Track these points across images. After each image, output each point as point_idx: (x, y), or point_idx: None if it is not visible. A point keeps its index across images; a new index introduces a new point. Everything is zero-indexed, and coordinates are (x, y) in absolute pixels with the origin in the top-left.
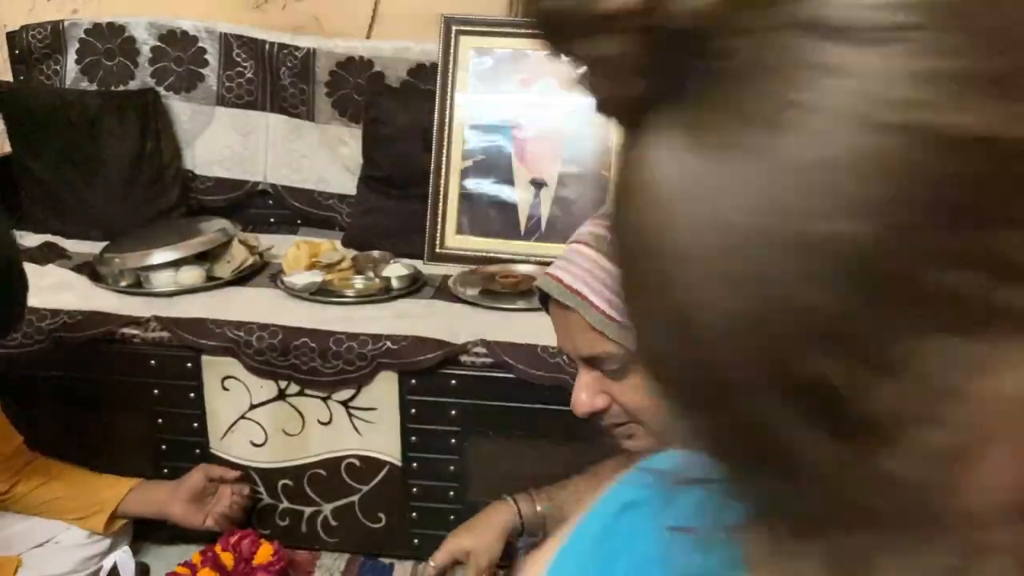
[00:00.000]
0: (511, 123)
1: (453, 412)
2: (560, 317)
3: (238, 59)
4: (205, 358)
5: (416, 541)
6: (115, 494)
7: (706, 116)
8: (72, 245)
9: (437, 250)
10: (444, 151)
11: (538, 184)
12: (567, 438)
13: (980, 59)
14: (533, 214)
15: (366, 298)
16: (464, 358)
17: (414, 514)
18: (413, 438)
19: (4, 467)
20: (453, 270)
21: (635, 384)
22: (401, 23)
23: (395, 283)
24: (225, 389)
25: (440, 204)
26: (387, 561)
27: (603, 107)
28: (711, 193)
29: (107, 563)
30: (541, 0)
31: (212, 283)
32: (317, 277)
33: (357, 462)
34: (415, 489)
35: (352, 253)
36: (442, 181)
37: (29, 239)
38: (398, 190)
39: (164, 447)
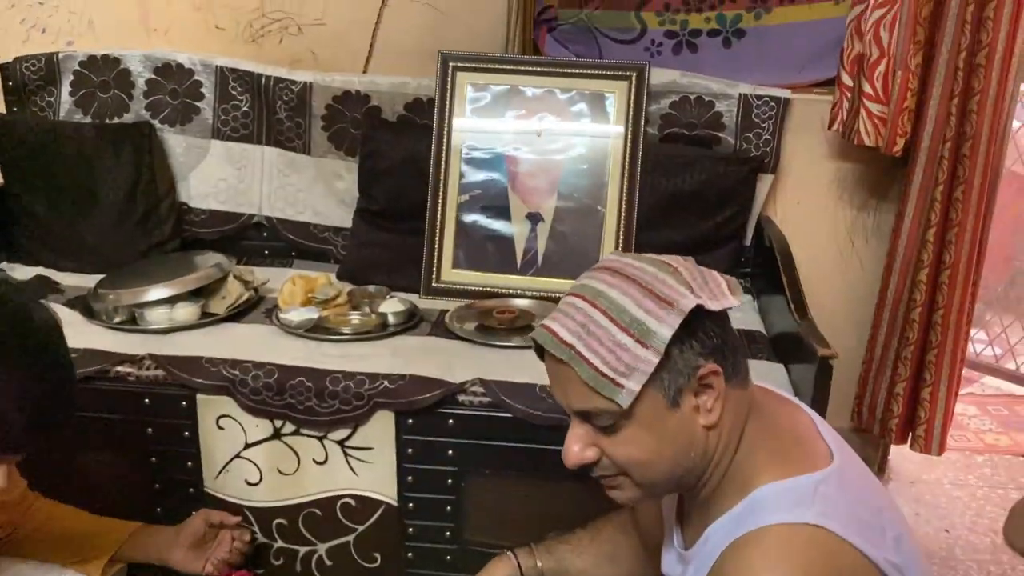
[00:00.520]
0: (507, 158)
1: (450, 452)
2: (554, 368)
3: (234, 92)
4: (200, 397)
5: None
6: (114, 539)
7: None
8: (65, 278)
9: (433, 284)
10: (441, 185)
11: (534, 218)
12: (565, 478)
13: None
14: (529, 248)
15: (362, 335)
16: (462, 397)
17: (410, 554)
18: (409, 478)
19: (10, 510)
20: (450, 304)
21: (625, 439)
22: (398, 58)
23: (391, 319)
24: (220, 428)
25: (437, 238)
26: None
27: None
28: None
29: None
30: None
31: (207, 319)
32: (313, 313)
33: (353, 502)
34: (411, 529)
35: (348, 287)
36: (439, 215)
37: (20, 272)
38: (394, 223)
39: (158, 486)
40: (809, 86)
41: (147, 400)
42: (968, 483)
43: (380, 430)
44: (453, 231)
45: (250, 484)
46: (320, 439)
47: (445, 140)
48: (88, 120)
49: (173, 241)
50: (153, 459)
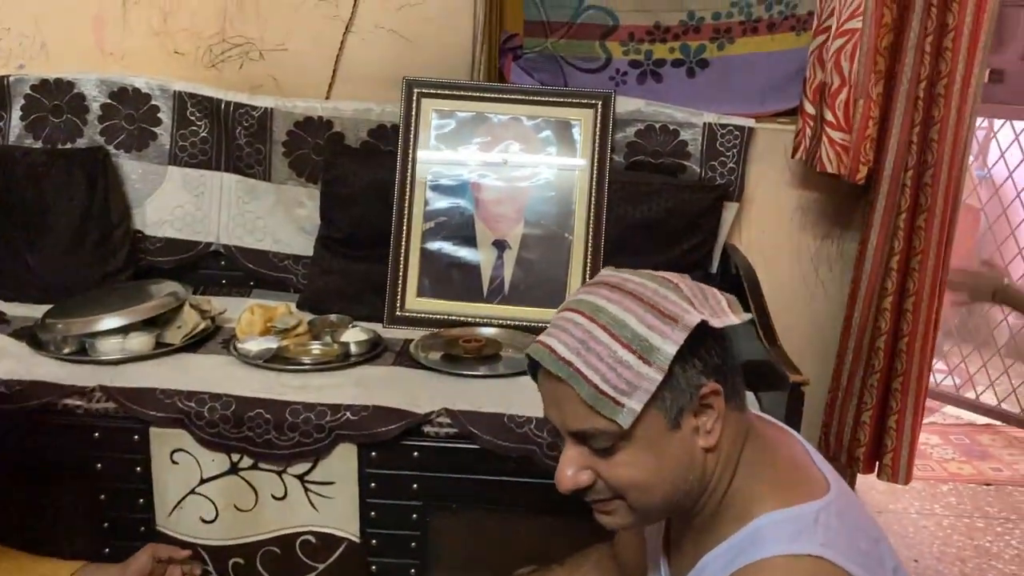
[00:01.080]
0: (473, 184)
1: (415, 485)
2: (550, 388)
3: (192, 118)
4: (153, 430)
5: None
6: None
7: None
8: (11, 309)
9: (398, 313)
10: (405, 212)
11: (501, 246)
12: (536, 511)
13: None
14: (496, 276)
15: (323, 365)
16: (427, 429)
17: None
18: (372, 513)
19: None
20: (414, 333)
21: (623, 461)
22: (361, 85)
23: (354, 348)
24: (174, 463)
25: (401, 265)
26: None
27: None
28: None
29: None
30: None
31: (162, 350)
32: (272, 343)
33: (313, 539)
34: (374, 567)
35: (309, 317)
36: (403, 242)
37: None
38: (357, 251)
39: (107, 524)
40: (772, 115)
41: (97, 434)
42: (935, 512)
43: (342, 463)
44: (418, 259)
45: (205, 521)
46: (279, 473)
47: (410, 167)
48: (39, 145)
49: (127, 270)
50: (102, 496)
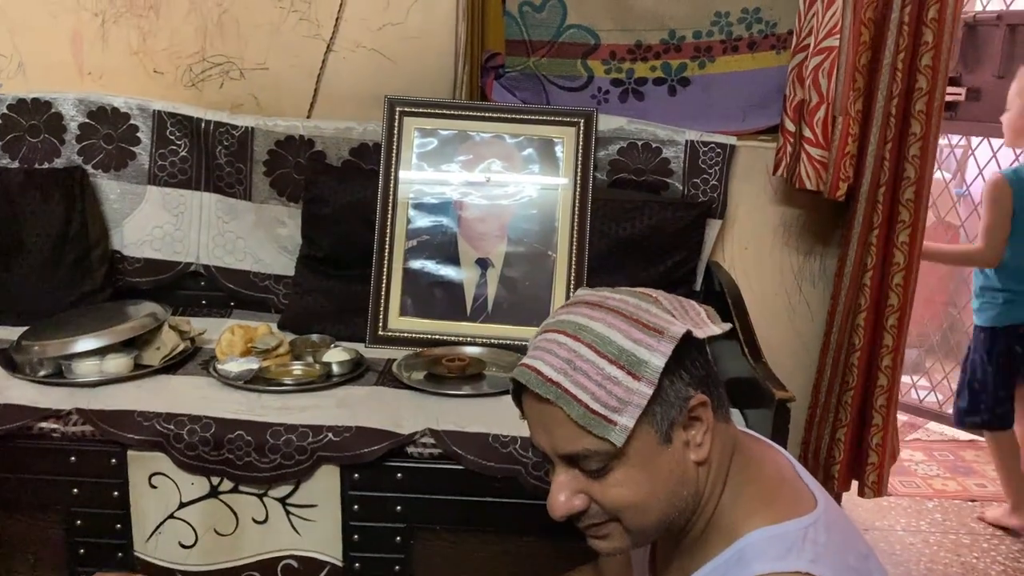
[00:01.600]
0: (455, 203)
1: (399, 508)
2: (536, 411)
3: (172, 137)
4: (131, 453)
5: None
6: None
7: None
8: None
9: (380, 332)
10: (388, 230)
11: (484, 264)
12: (522, 532)
13: None
14: (479, 294)
15: (305, 386)
16: (410, 449)
17: None
18: (355, 536)
19: None
20: (397, 353)
21: (617, 481)
22: (343, 103)
23: (336, 369)
24: (152, 487)
25: (383, 285)
26: None
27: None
28: None
29: None
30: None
31: (140, 372)
32: (253, 364)
33: (295, 563)
34: None
35: (290, 337)
36: (385, 261)
37: None
38: (338, 271)
39: (83, 551)
40: (753, 133)
41: (73, 458)
42: (920, 529)
43: (324, 486)
44: (400, 278)
45: (184, 547)
46: (260, 496)
47: (392, 185)
48: (16, 165)
49: (105, 291)
50: (78, 521)
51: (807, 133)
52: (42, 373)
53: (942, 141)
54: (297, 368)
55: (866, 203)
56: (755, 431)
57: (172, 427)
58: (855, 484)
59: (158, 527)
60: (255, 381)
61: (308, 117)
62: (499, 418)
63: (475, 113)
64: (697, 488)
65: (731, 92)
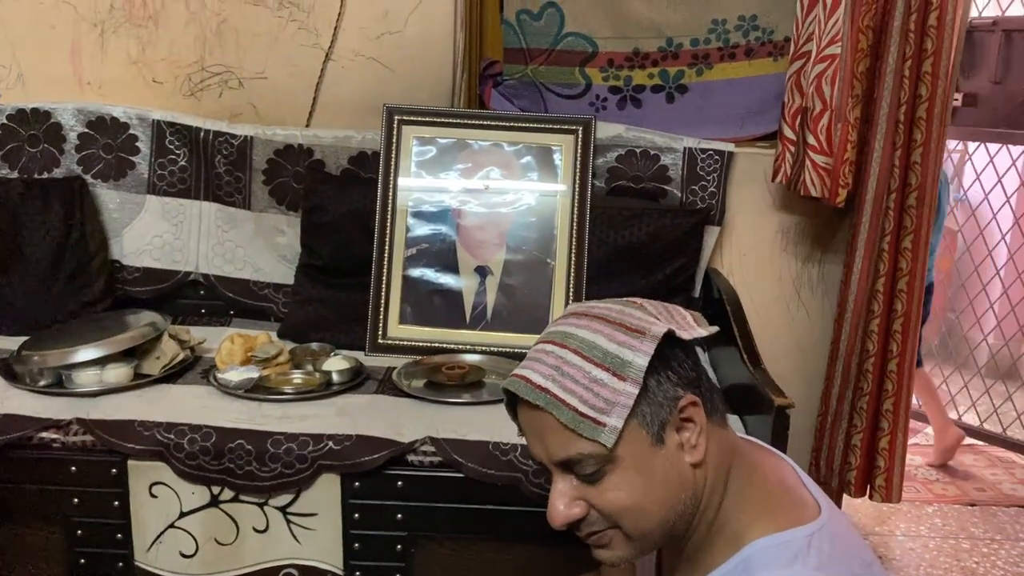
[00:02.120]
0: (454, 211)
1: (399, 516)
2: (530, 420)
3: (171, 146)
4: (131, 463)
5: None
6: None
7: None
8: None
9: (379, 341)
10: (387, 239)
11: (483, 272)
12: (523, 540)
13: None
14: (478, 302)
15: (305, 394)
16: (411, 457)
17: None
18: (356, 545)
19: None
20: (397, 361)
21: (613, 484)
22: (341, 112)
23: (336, 377)
24: (153, 496)
25: (383, 293)
26: None
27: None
28: None
29: None
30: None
31: (140, 381)
32: (253, 373)
33: (296, 572)
34: None
35: (290, 346)
36: (384, 269)
37: None
38: (337, 279)
39: (83, 561)
40: (751, 140)
41: (73, 468)
42: (920, 534)
43: (325, 494)
44: (399, 286)
45: (185, 556)
46: (261, 505)
47: (391, 194)
48: (15, 175)
49: (104, 301)
50: (79, 531)
51: (811, 140)
52: (42, 383)
53: None
54: (297, 377)
55: (874, 209)
56: (755, 438)
57: (172, 436)
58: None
59: (159, 537)
60: (255, 390)
61: (307, 126)
62: (499, 426)
63: (473, 121)
64: (695, 491)
65: (729, 99)
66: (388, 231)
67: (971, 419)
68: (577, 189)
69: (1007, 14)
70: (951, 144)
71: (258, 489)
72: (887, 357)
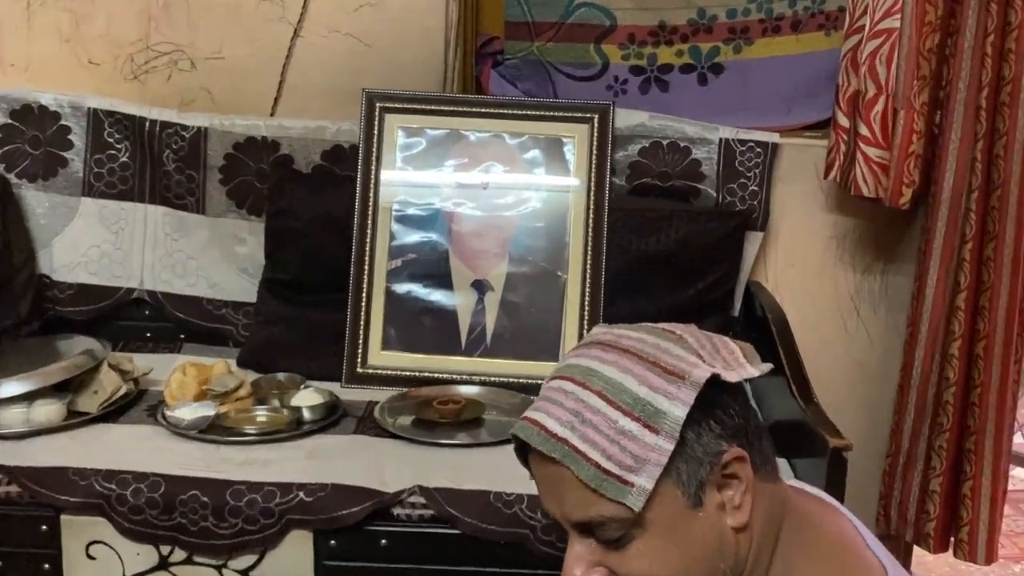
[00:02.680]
0: (447, 215)
1: None
2: (544, 473)
3: (110, 140)
4: (65, 518)
5: None
6: None
7: None
8: None
9: (359, 370)
10: (367, 248)
11: (481, 287)
12: None
13: None
14: (476, 323)
15: (271, 435)
16: (397, 511)
17: None
18: None
19: None
20: (379, 395)
21: (639, 552)
22: (313, 98)
23: (307, 415)
24: (91, 558)
25: (363, 313)
26: None
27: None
28: None
29: None
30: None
31: (75, 420)
32: (209, 410)
33: None
34: None
35: (252, 377)
36: (364, 284)
37: None
38: (308, 296)
39: None
40: (800, 128)
41: None
42: None
43: (295, 555)
44: (382, 304)
45: None
46: (219, 568)
47: (371, 194)
48: None
49: (31, 324)
50: None
51: (863, 130)
52: None
53: None
54: (261, 414)
55: (951, 212)
56: (807, 484)
57: (114, 486)
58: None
59: None
60: (212, 430)
61: (272, 115)
62: (502, 472)
63: (469, 108)
64: (737, 559)
65: (772, 80)
66: (368, 239)
67: None
68: (593, 188)
69: None
70: None
71: (215, 549)
72: (970, 386)
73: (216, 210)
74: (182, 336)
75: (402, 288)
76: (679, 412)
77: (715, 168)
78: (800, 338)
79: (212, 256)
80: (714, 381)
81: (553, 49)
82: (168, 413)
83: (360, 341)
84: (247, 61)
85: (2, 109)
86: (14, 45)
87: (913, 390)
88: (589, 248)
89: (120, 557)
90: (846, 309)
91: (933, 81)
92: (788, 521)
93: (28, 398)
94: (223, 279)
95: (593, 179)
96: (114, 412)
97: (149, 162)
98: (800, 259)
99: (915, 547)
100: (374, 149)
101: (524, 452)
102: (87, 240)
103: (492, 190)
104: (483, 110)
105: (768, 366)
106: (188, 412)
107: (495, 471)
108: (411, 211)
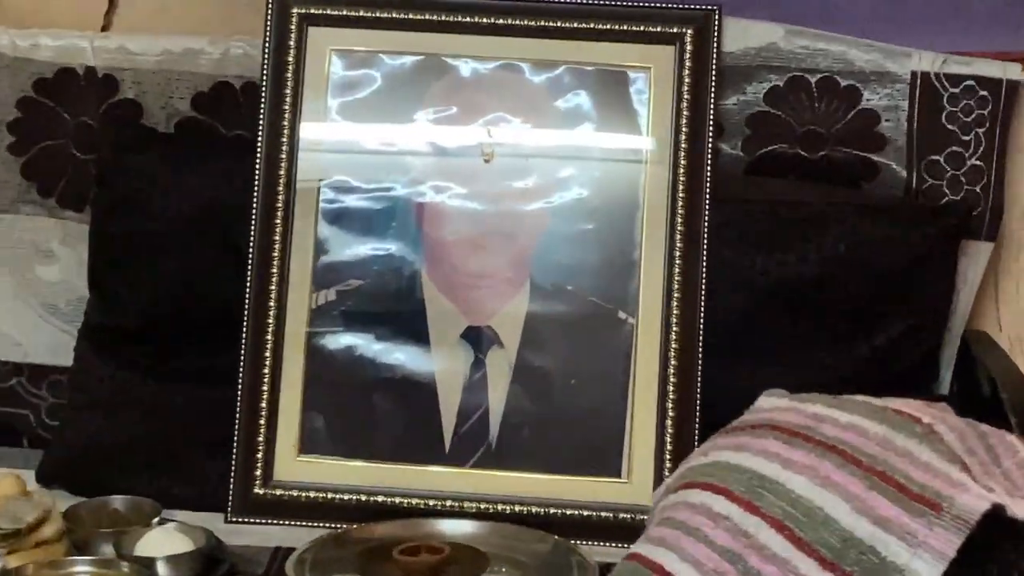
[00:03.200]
0: (420, 207)
1: None
2: None
3: None
4: None
5: None
6: None
7: None
8: None
9: (257, 491)
10: (274, 268)
11: (481, 340)
12: None
13: None
14: (472, 405)
15: None
16: None
17: None
18: None
19: None
20: (293, 536)
21: None
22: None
23: (162, 571)
24: None
25: (264, 387)
26: None
27: None
28: None
29: None
30: None
31: None
32: None
33: None
34: None
35: (66, 503)
36: (269, 336)
37: None
38: (163, 359)
39: None
40: None
41: None
42: None
43: None
44: (301, 371)
45: None
46: None
47: (283, 171)
48: None
49: None
50: None
51: None
52: None
53: None
54: (82, 571)
55: None
56: None
57: None
58: None
59: None
60: None
61: (104, 29)
62: None
63: (459, 17)
64: None
65: None
66: (277, 253)
67: None
68: (683, 162)
69: None
70: None
71: None
72: None
73: (4, 199)
74: None
75: (337, 342)
76: (931, 570)
77: (904, 126)
78: None
79: None
80: (995, 516)
81: None
82: None
83: (259, 439)
84: None
85: None
86: None
87: None
88: (676, 271)
89: None
90: None
91: None
92: None
93: None
94: (14, 326)
95: (684, 145)
96: None
97: None
98: None
99: None
100: (288, 90)
101: None
102: None
103: (499, 163)
104: (484, 20)
105: None
106: None
107: None
108: (352, 200)
